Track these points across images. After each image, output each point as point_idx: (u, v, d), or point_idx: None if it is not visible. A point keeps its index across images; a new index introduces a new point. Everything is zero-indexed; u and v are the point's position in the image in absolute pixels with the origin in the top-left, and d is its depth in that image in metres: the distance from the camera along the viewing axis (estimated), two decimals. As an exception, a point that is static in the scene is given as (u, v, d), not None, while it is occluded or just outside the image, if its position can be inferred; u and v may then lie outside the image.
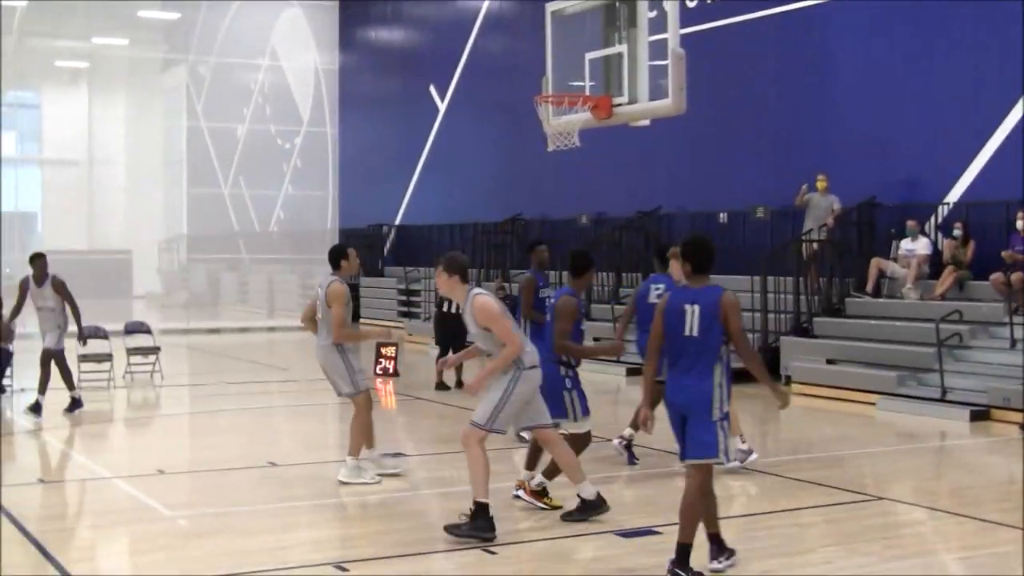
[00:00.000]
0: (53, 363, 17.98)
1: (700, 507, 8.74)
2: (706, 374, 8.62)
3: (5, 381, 20.07)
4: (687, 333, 8.63)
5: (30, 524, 10.72)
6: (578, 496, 10.63)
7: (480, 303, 10.10)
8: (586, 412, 11.40)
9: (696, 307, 8.62)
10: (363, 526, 10.91)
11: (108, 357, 21.33)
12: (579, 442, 11.34)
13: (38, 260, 18.09)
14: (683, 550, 8.60)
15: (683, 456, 8.84)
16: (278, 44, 44.37)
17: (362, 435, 12.66)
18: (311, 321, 12.68)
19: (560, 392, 11.17)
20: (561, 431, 11.01)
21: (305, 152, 43.42)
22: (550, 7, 17.01)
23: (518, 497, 11.27)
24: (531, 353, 10.26)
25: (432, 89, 36.95)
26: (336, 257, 12.67)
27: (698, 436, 8.63)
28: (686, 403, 8.66)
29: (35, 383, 18.01)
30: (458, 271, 10.27)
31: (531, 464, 11.55)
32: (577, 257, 12.06)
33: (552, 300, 12.02)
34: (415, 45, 39.84)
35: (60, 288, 17.87)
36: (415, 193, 38.52)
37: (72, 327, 18.30)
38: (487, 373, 10.12)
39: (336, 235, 41.29)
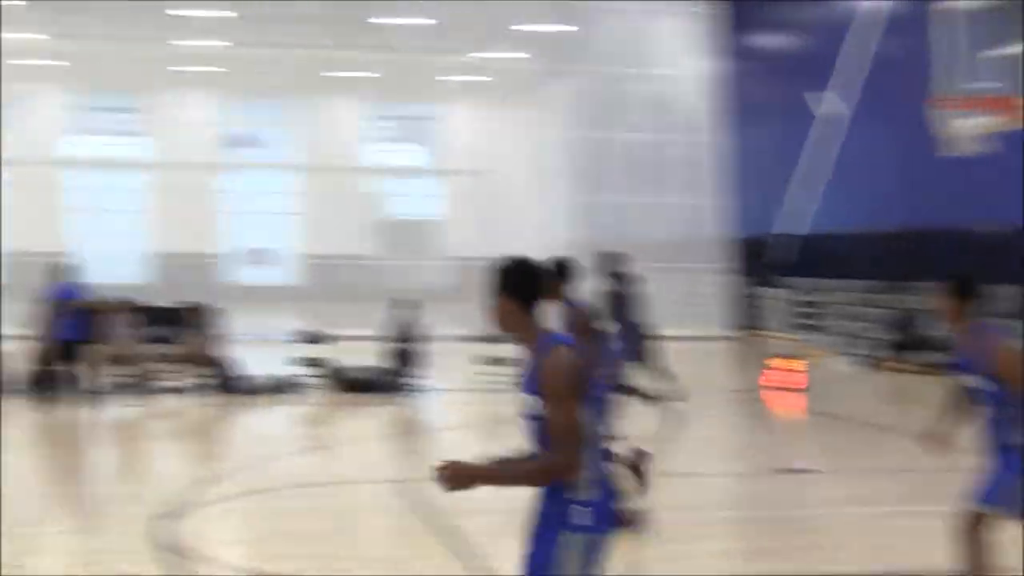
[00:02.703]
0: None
1: None
2: None
3: (418, 380, 20.77)
4: None
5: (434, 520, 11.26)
6: None
7: None
8: None
9: None
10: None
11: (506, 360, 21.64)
12: None
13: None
14: None
15: None
16: (661, 52, 44.44)
17: None
18: None
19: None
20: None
21: (688, 160, 43.38)
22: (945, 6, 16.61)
23: None
24: None
25: (827, 94, 36.28)
26: None
27: None
28: None
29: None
30: None
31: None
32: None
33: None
34: (804, 49, 39.34)
35: None
36: (812, 200, 37.81)
37: None
38: None
39: (723, 244, 41.28)
